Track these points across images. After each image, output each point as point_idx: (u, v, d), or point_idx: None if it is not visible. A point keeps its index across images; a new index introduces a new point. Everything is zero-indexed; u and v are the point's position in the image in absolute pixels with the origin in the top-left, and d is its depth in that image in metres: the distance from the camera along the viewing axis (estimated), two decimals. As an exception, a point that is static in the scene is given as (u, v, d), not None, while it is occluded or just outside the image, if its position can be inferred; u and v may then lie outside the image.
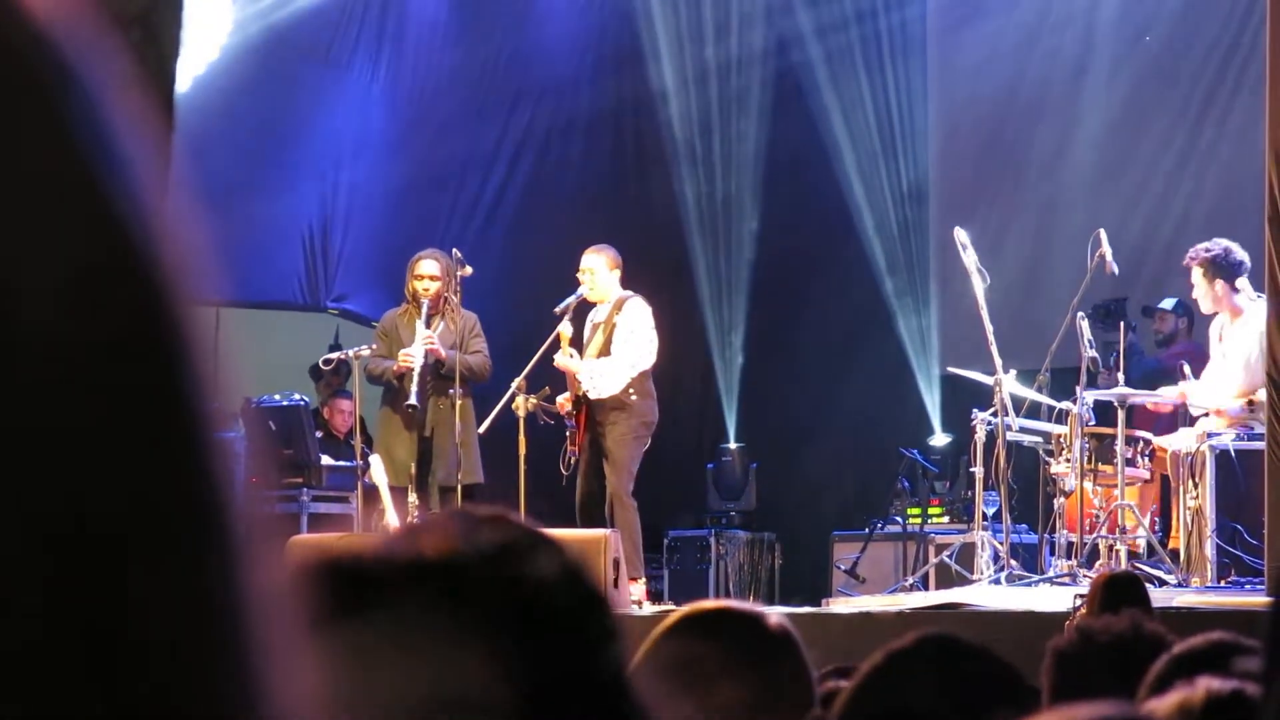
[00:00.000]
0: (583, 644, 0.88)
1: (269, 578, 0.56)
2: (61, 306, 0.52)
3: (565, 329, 9.64)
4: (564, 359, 9.65)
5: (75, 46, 0.55)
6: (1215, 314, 9.38)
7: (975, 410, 9.67)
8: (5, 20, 0.53)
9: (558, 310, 9.77)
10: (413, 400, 9.56)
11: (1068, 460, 9.09)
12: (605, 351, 9.68)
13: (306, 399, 10.73)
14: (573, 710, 0.86)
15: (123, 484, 0.53)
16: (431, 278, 9.78)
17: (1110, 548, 8.97)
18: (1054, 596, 8.16)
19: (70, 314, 0.53)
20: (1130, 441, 9.12)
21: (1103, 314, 11.05)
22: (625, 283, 9.85)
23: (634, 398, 9.62)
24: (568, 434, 9.70)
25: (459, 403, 9.64)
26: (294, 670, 0.56)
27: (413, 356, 9.62)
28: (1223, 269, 9.16)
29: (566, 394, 9.71)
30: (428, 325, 9.72)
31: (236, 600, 0.54)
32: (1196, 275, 9.26)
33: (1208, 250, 9.22)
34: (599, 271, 9.73)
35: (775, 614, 2.24)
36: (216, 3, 11.47)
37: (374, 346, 9.94)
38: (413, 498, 9.52)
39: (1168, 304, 11.50)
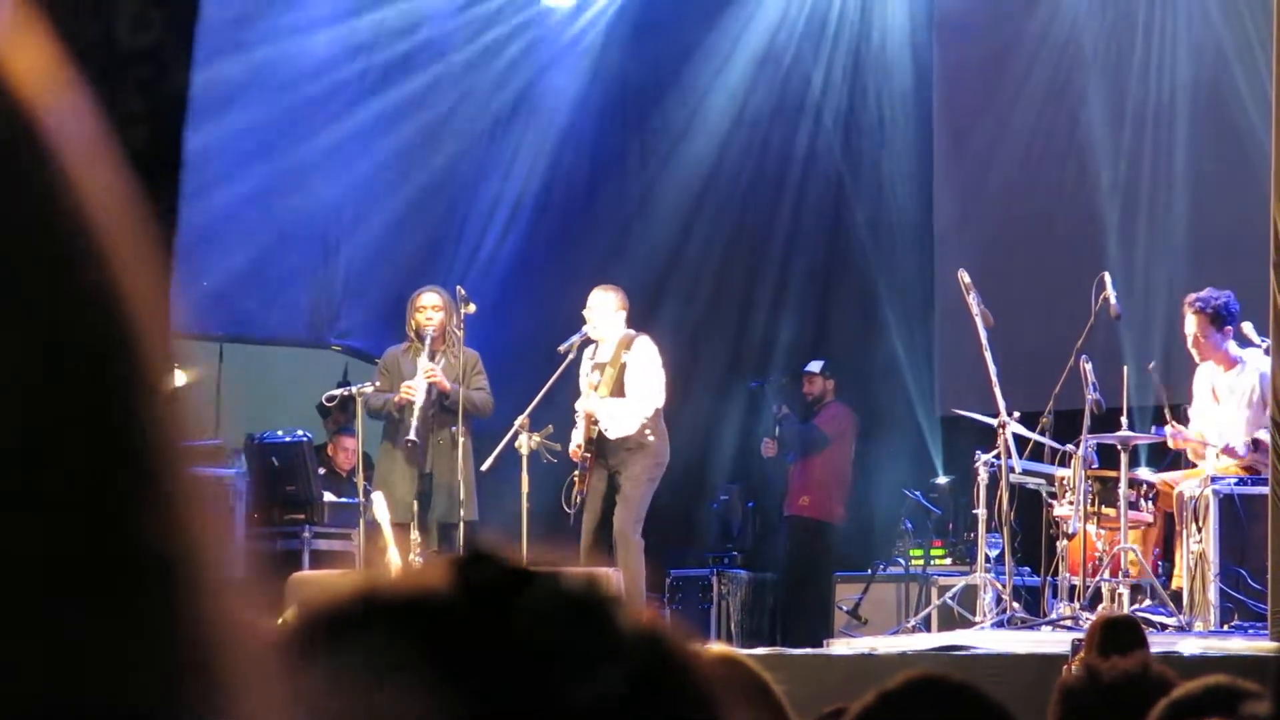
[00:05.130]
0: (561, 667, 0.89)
1: (238, 619, 0.56)
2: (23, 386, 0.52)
3: (593, 378, 9.66)
4: (585, 402, 9.66)
5: (48, 112, 0.55)
6: (1199, 364, 9.36)
7: (978, 452, 9.67)
8: None
9: (561, 349, 9.79)
10: (412, 435, 9.56)
11: (1070, 503, 9.08)
12: (618, 391, 9.68)
13: (309, 435, 10.73)
14: None
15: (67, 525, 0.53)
16: (434, 308, 9.79)
17: (1113, 591, 8.96)
18: (1056, 639, 8.14)
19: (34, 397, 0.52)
20: (1133, 484, 9.12)
21: (785, 382, 12.19)
22: (630, 322, 9.88)
23: (651, 438, 9.65)
24: (576, 475, 9.69)
25: (460, 440, 9.64)
26: (263, 709, 0.56)
27: (414, 389, 9.62)
28: (1227, 318, 9.15)
29: (577, 442, 9.68)
30: (431, 360, 9.73)
31: (194, 644, 0.54)
32: (1199, 323, 9.19)
33: (1215, 298, 9.18)
34: (605, 311, 9.74)
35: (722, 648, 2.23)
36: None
37: (376, 383, 9.94)
38: (415, 535, 9.52)
39: (814, 366, 12.01)
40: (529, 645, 0.87)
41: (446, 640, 0.87)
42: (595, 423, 9.64)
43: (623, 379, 9.69)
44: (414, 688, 0.84)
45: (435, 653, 0.86)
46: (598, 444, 9.66)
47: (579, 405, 9.70)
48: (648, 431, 9.63)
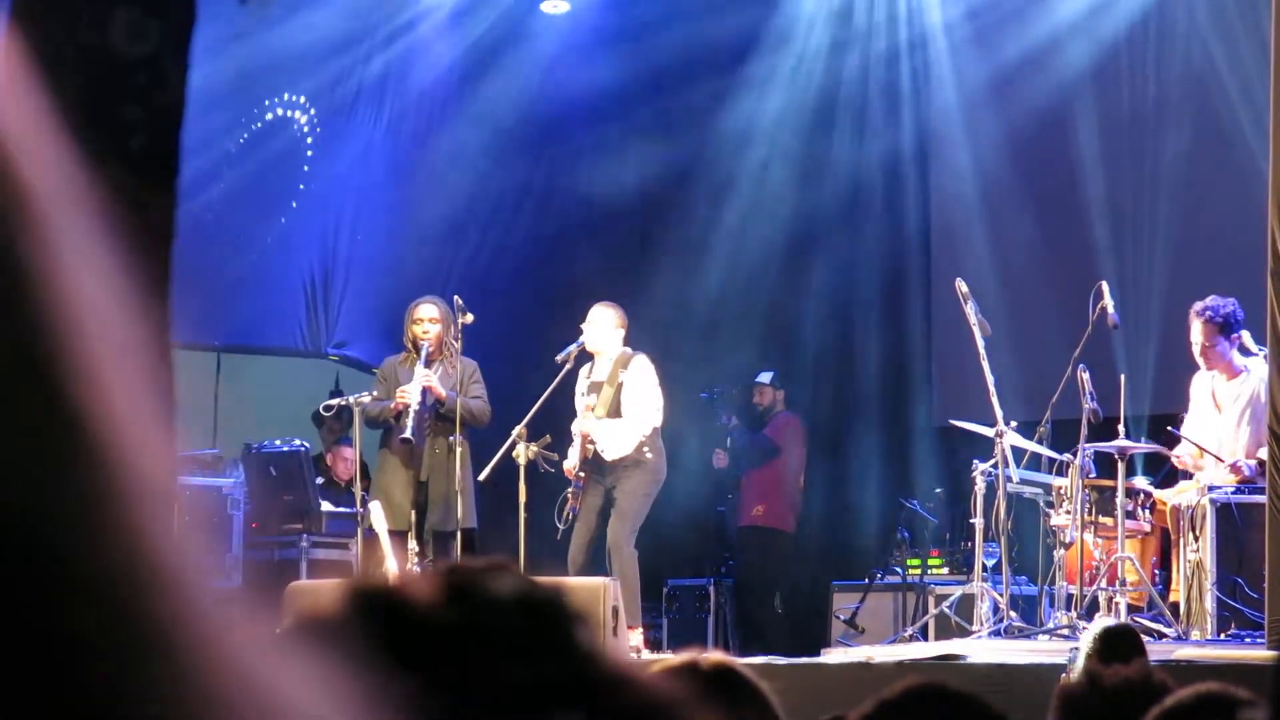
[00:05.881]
0: (534, 672, 0.93)
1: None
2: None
3: (589, 401, 9.67)
4: (581, 423, 9.66)
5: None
6: (1199, 372, 9.36)
7: (975, 461, 9.67)
8: None
9: (559, 359, 9.78)
10: (407, 434, 9.55)
11: (1068, 512, 9.08)
12: (615, 410, 9.68)
13: (307, 444, 10.73)
14: None
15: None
16: (431, 320, 9.78)
17: (1110, 600, 8.95)
18: (1054, 648, 8.13)
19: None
20: (1130, 494, 9.12)
21: (728, 398, 12.30)
22: (629, 340, 9.87)
23: (649, 455, 9.64)
24: (570, 492, 9.69)
25: (458, 449, 9.64)
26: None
27: (409, 393, 9.62)
28: (1234, 326, 9.14)
29: (572, 460, 9.67)
30: (427, 368, 9.73)
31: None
32: (1207, 331, 9.17)
33: (1223, 306, 9.15)
34: (603, 327, 9.75)
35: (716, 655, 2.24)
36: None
37: (374, 393, 9.94)
38: (413, 544, 9.51)
39: (765, 377, 12.13)
40: (484, 635, 0.92)
41: (418, 628, 0.91)
42: (592, 443, 9.64)
43: (619, 398, 9.69)
44: (391, 673, 0.88)
45: (406, 641, 0.91)
46: (594, 463, 9.66)
47: (575, 427, 9.70)
48: (645, 449, 9.64)
